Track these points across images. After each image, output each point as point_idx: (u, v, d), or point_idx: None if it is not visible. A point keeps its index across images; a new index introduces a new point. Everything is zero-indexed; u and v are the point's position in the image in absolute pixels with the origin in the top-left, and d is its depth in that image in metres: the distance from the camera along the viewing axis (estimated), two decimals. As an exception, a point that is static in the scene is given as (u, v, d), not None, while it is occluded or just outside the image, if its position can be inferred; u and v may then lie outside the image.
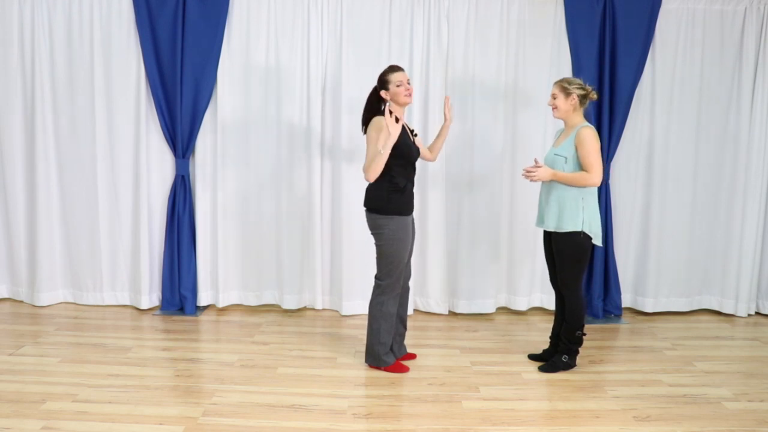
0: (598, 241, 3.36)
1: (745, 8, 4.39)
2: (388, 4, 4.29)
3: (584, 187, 3.28)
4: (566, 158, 3.30)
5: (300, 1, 4.29)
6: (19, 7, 4.29)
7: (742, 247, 4.54)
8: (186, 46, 4.22)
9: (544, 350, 3.69)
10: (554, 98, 3.36)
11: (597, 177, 3.23)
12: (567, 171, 3.30)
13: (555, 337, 3.61)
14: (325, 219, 4.49)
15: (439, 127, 4.21)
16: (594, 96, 3.38)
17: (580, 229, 3.29)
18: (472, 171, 4.43)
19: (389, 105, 3.30)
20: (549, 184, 3.38)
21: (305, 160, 4.41)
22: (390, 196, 3.29)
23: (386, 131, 3.15)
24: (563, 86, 3.34)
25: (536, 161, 3.32)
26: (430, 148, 3.74)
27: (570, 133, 3.35)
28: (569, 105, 3.34)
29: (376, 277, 3.40)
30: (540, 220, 3.49)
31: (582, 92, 3.34)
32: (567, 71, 4.37)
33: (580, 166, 3.29)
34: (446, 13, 4.31)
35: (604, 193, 4.43)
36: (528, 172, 3.26)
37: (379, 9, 4.30)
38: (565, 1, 4.33)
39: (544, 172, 3.27)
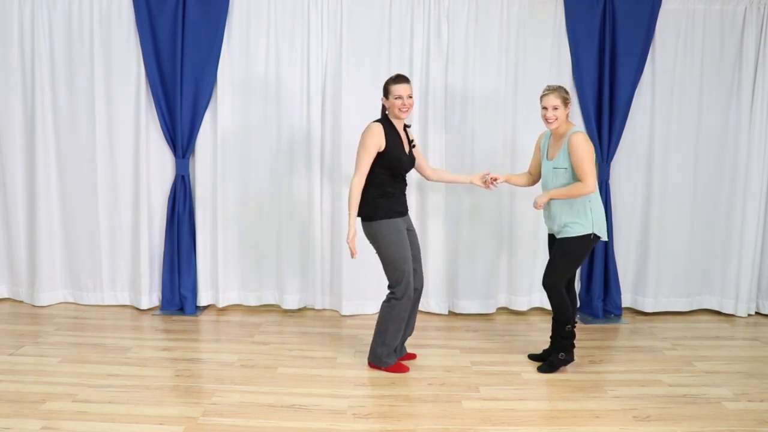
0: (605, 236, 3.37)
1: (745, 8, 4.39)
2: (388, 4, 4.29)
3: (579, 196, 3.25)
4: (566, 168, 3.28)
5: (300, 1, 4.29)
6: (19, 7, 4.29)
7: (742, 247, 4.54)
8: (186, 46, 4.22)
9: (544, 350, 3.68)
10: (555, 109, 3.24)
11: (591, 185, 3.20)
12: (571, 180, 3.28)
13: None
14: (325, 218, 4.49)
15: (464, 174, 3.93)
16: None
17: (590, 232, 3.28)
18: (472, 171, 4.42)
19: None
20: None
21: (305, 160, 4.41)
22: (376, 201, 3.29)
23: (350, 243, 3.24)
24: (564, 96, 3.27)
25: (494, 178, 3.54)
26: (436, 172, 3.66)
27: (562, 141, 3.31)
28: (565, 114, 3.31)
29: (388, 286, 3.39)
30: (550, 228, 3.49)
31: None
32: (567, 71, 4.37)
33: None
34: (446, 13, 4.31)
35: (604, 193, 4.43)
36: (535, 206, 3.31)
37: (379, 9, 4.30)
38: (565, 1, 4.33)
39: (541, 199, 3.28)
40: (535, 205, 3.31)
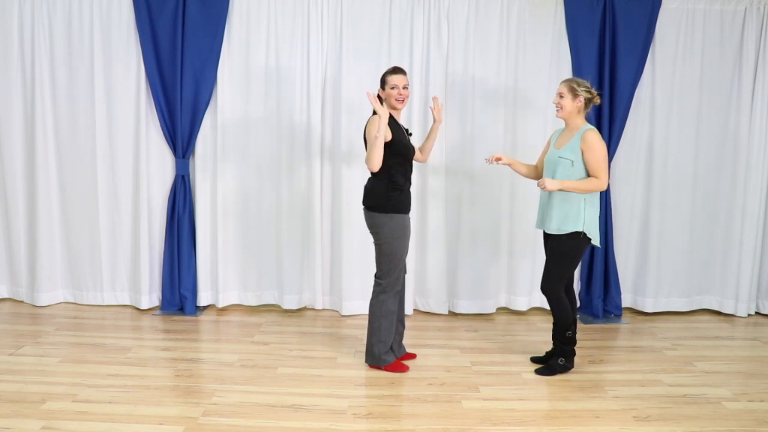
0: (597, 242, 3.34)
1: (745, 8, 4.39)
2: (388, 4, 4.29)
3: (593, 192, 3.25)
4: (572, 161, 3.27)
5: (300, 1, 4.29)
6: (19, 7, 4.29)
7: (742, 247, 4.54)
8: (186, 46, 4.22)
9: (546, 352, 3.67)
10: (561, 97, 3.32)
11: (605, 182, 3.23)
12: (573, 175, 3.28)
13: None
14: (325, 219, 4.49)
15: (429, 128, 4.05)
16: (597, 101, 3.36)
17: (580, 230, 3.28)
18: (472, 171, 4.43)
19: (377, 93, 3.25)
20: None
21: (305, 160, 4.41)
22: (389, 194, 3.30)
23: (377, 118, 3.16)
24: (572, 86, 3.30)
25: (495, 159, 3.47)
26: (421, 149, 3.68)
27: (573, 135, 3.32)
28: (574, 106, 3.31)
29: (375, 275, 3.41)
30: (540, 223, 3.47)
31: (588, 95, 3.31)
32: (567, 71, 4.37)
33: (586, 169, 3.27)
34: (446, 13, 4.31)
35: (604, 193, 4.43)
36: (539, 184, 3.23)
37: (379, 9, 4.30)
38: (565, 1, 4.33)
39: (551, 184, 3.22)
40: (541, 185, 3.23)
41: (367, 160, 3.25)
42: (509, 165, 3.61)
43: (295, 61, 4.33)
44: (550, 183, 3.22)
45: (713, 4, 4.39)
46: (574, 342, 3.46)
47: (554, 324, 3.44)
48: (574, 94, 3.30)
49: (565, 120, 3.38)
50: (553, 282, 3.36)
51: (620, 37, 4.31)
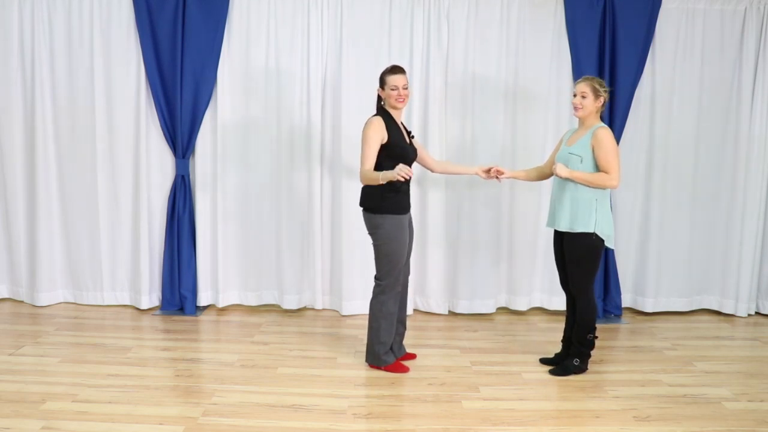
0: (610, 243, 3.32)
1: (745, 8, 4.39)
2: (388, 4, 4.29)
3: (602, 188, 3.24)
4: (581, 158, 3.26)
5: (300, 1, 4.29)
6: (19, 7, 4.29)
7: (742, 247, 4.54)
8: (186, 46, 4.22)
9: (556, 354, 3.65)
10: (583, 97, 3.28)
11: (616, 179, 3.20)
12: (582, 171, 3.27)
13: (567, 340, 3.57)
14: (325, 219, 4.49)
15: (468, 166, 3.99)
16: (607, 98, 3.36)
17: (592, 231, 3.26)
18: (472, 170, 4.43)
19: (399, 169, 3.07)
20: (562, 184, 3.33)
21: (305, 160, 4.41)
22: (385, 195, 3.29)
23: (397, 173, 3.04)
24: (595, 87, 3.27)
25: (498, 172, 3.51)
26: (440, 164, 3.69)
27: (585, 132, 3.31)
28: (595, 106, 3.30)
29: (375, 277, 3.40)
30: (551, 221, 3.46)
31: (607, 95, 3.32)
32: (567, 71, 4.37)
33: (596, 167, 3.26)
34: (446, 13, 4.31)
35: (604, 193, 4.44)
36: (553, 169, 3.25)
37: (379, 9, 4.30)
38: (565, 1, 4.33)
39: (562, 170, 3.23)
40: (553, 170, 3.25)
41: (361, 178, 3.27)
42: (513, 178, 3.63)
43: (295, 62, 4.33)
44: (560, 169, 3.22)
45: (713, 4, 4.39)
46: (593, 346, 3.45)
47: (576, 324, 3.42)
48: (597, 95, 3.28)
49: (581, 119, 3.36)
50: (578, 284, 3.35)
51: (620, 37, 4.30)
